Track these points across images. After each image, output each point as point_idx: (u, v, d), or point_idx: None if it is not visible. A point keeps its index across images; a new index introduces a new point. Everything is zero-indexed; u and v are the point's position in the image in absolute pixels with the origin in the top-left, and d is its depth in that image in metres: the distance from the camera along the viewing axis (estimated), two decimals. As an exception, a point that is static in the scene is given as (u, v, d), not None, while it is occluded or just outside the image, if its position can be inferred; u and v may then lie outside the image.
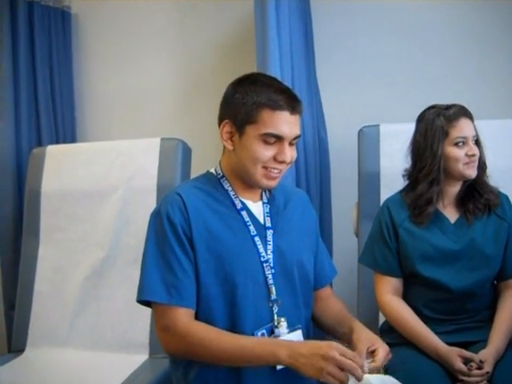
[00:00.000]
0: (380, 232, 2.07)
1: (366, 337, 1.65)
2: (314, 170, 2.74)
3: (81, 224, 2.62)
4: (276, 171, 1.65)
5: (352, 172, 2.59)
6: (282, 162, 1.64)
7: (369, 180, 2.52)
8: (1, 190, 2.98)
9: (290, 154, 1.64)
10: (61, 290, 2.59)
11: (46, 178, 2.69)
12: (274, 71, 2.36)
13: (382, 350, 1.60)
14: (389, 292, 2.04)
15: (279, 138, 1.62)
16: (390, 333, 2.05)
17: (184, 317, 1.60)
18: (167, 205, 1.66)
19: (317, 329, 1.92)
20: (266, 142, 1.62)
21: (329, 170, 2.92)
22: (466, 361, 1.83)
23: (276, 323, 1.67)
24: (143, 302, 1.67)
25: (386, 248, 2.05)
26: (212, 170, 1.78)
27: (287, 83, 2.45)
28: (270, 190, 1.79)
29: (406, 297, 2.05)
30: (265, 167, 1.64)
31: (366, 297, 2.36)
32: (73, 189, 2.65)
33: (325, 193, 2.89)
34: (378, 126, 2.56)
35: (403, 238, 2.02)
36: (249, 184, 1.71)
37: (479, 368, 1.81)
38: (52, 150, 2.77)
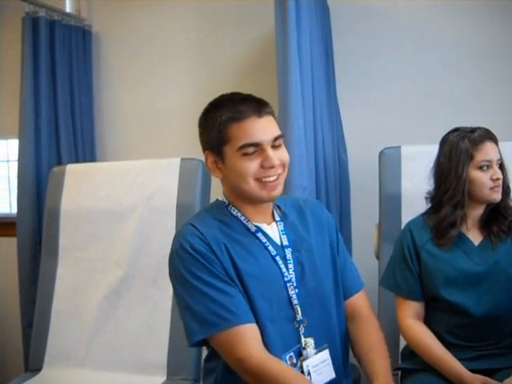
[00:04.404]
0: (402, 255, 2.04)
1: None
2: (334, 191, 2.72)
3: (100, 243, 2.62)
4: (271, 178, 1.60)
5: (373, 193, 2.56)
6: (271, 168, 1.59)
7: (390, 202, 2.50)
8: (20, 208, 3.00)
9: (275, 156, 1.60)
10: (79, 309, 2.58)
11: (66, 197, 2.70)
12: (295, 91, 2.35)
13: None
14: (410, 316, 2.01)
15: (257, 146, 1.58)
16: (412, 358, 2.02)
17: (255, 344, 1.56)
18: (186, 237, 1.62)
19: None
20: (247, 155, 1.58)
21: (349, 191, 2.91)
22: (491, 389, 1.79)
23: (303, 344, 1.64)
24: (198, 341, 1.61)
25: (408, 271, 2.02)
26: (220, 198, 1.75)
27: (308, 103, 2.46)
28: (280, 208, 1.75)
29: (428, 322, 2.02)
30: (257, 179, 1.60)
31: (387, 320, 2.33)
32: (92, 208, 2.65)
33: (345, 214, 2.88)
34: (400, 147, 2.54)
35: (425, 261, 1.99)
36: (254, 202, 1.67)
37: (504, 397, 1.77)
38: (72, 168, 2.78)
